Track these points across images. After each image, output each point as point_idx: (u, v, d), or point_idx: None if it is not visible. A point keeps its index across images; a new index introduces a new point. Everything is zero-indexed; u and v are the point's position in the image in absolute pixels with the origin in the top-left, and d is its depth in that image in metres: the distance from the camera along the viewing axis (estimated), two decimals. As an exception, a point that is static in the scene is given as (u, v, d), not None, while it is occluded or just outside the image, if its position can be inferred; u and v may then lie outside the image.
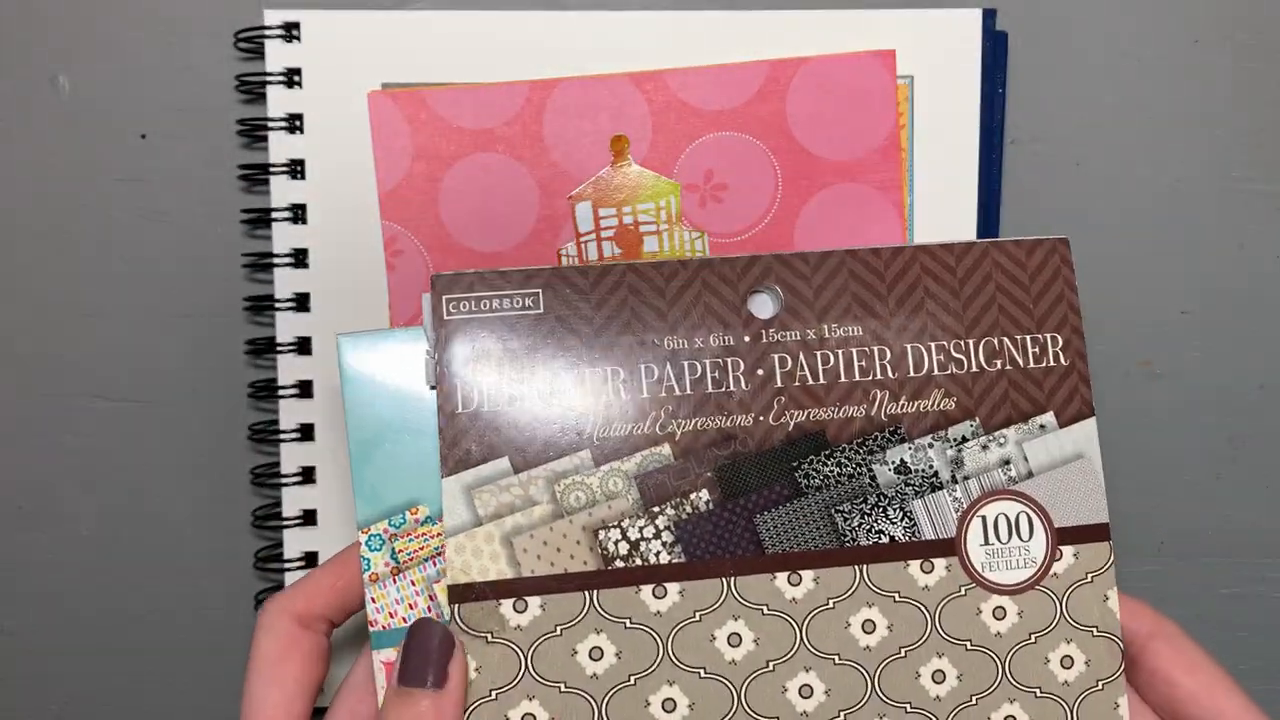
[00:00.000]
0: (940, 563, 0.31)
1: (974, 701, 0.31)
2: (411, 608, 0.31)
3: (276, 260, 0.38)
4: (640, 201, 0.38)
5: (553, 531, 0.30)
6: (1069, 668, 0.31)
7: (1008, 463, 0.32)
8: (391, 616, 0.31)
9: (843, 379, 0.31)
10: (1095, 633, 0.31)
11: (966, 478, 0.32)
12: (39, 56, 0.39)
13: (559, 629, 0.30)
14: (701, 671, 0.30)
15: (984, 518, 0.31)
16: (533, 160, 0.38)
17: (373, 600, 0.31)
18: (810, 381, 0.31)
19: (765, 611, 0.30)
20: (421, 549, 0.31)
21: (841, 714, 0.30)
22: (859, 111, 0.38)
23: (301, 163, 0.38)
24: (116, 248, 0.39)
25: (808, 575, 0.31)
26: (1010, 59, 0.40)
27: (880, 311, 0.32)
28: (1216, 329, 0.41)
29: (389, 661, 0.30)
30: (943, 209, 0.39)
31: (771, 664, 0.30)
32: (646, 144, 0.38)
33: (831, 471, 0.31)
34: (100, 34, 0.39)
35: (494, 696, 0.30)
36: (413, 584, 0.31)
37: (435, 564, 0.31)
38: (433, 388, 0.31)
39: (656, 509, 0.31)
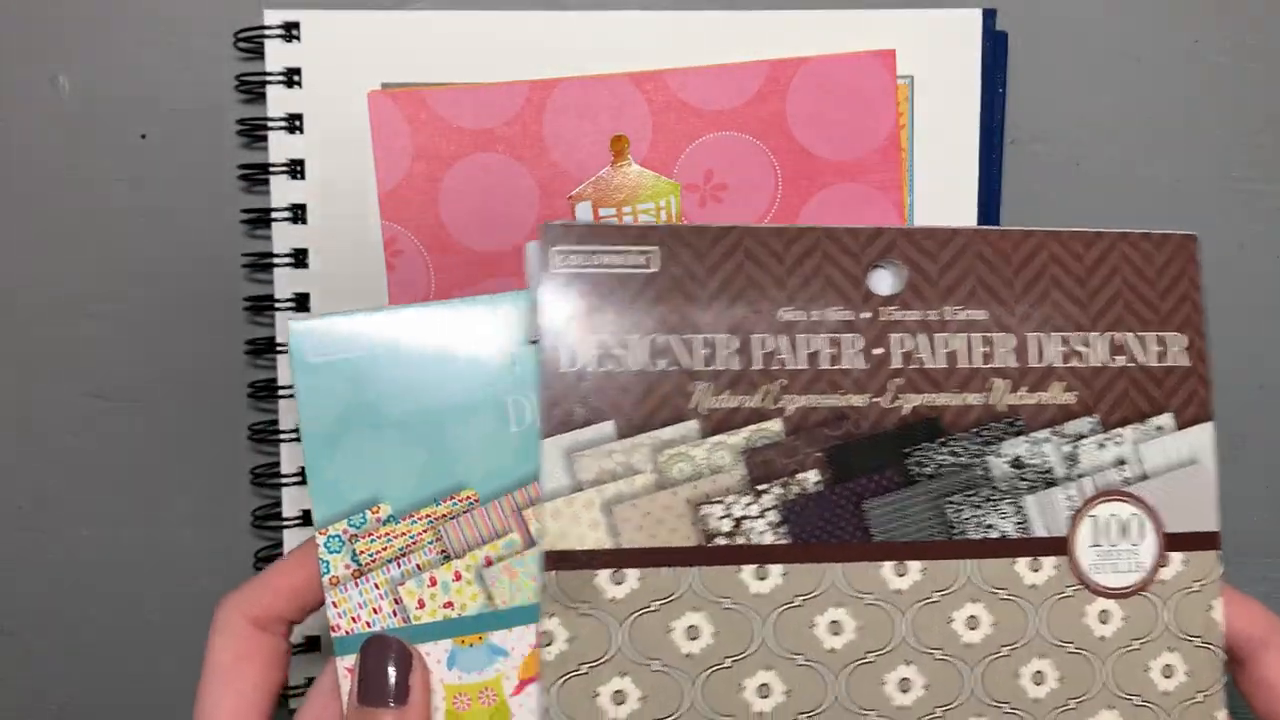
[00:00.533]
0: (1049, 562, 0.30)
1: (1072, 705, 0.30)
2: (375, 612, 0.29)
3: (276, 260, 0.38)
4: (640, 201, 0.38)
5: (654, 503, 0.29)
6: (1169, 677, 0.30)
7: (1123, 463, 0.31)
8: (354, 621, 0.29)
9: (961, 364, 0.30)
10: (1198, 643, 0.30)
11: (1081, 475, 0.30)
12: (39, 56, 0.39)
13: (656, 605, 0.29)
14: (800, 658, 0.29)
15: (1095, 518, 0.30)
16: (533, 160, 0.38)
17: (334, 605, 0.29)
18: (929, 365, 0.30)
19: (868, 601, 0.29)
20: (384, 550, 0.29)
21: (938, 710, 0.29)
22: (859, 111, 0.38)
23: (301, 163, 0.38)
24: (116, 248, 0.39)
25: (914, 567, 0.29)
26: (1010, 59, 0.40)
27: (1005, 297, 0.30)
28: (1216, 329, 0.41)
29: (352, 668, 0.29)
30: (943, 209, 0.39)
31: (871, 655, 0.29)
32: (646, 144, 0.38)
33: (945, 460, 0.30)
34: (100, 34, 0.39)
35: (584, 670, 0.28)
36: (376, 587, 0.29)
37: (399, 565, 0.29)
38: (533, 342, 0.29)
39: (763, 487, 0.29)
